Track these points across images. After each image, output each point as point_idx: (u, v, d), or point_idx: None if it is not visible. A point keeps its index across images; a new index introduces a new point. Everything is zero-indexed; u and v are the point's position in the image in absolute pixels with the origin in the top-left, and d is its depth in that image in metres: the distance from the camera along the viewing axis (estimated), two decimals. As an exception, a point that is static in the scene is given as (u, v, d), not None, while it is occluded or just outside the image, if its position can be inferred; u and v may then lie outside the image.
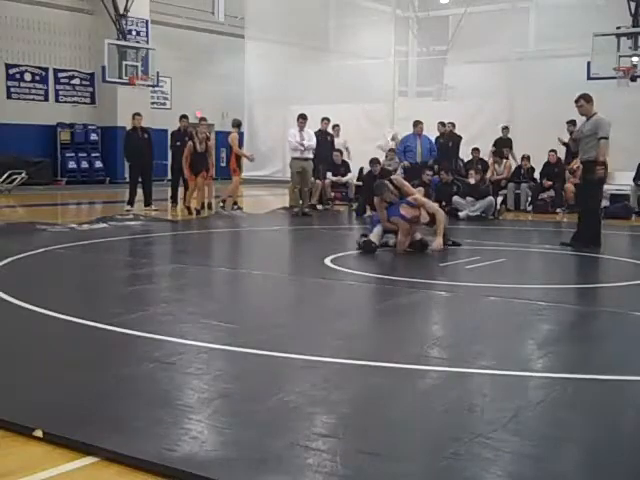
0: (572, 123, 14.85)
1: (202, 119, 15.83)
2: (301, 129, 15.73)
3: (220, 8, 27.99)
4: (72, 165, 24.21)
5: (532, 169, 16.75)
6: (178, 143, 15.94)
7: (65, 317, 5.72)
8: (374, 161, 14.78)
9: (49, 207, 16.94)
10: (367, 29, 25.78)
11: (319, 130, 17.02)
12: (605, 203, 15.75)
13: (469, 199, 14.58)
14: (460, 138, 17.37)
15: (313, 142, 15.87)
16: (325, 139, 17.02)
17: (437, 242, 9.60)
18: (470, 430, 3.56)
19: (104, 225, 12.41)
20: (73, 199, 19.71)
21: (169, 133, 17.95)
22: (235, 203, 15.76)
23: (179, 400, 3.95)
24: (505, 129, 17.95)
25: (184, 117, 15.91)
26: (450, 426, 3.65)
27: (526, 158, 16.86)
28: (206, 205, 15.57)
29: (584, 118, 10.47)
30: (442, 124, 17.26)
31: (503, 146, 17.40)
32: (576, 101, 10.44)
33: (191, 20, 27.14)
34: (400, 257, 9.60)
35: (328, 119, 17.49)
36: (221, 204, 15.73)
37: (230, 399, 4.02)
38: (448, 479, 3.11)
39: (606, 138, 10.09)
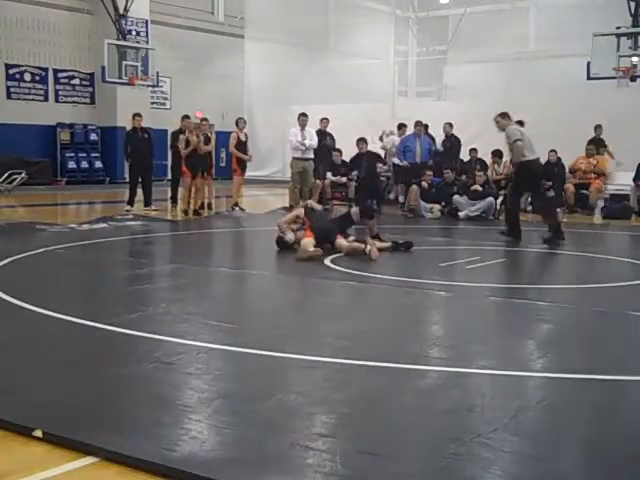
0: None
1: (203, 119, 15.86)
2: (302, 128, 15.74)
3: (220, 8, 27.97)
4: (72, 165, 24.19)
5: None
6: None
7: (65, 317, 5.72)
8: (361, 140, 14.90)
9: (49, 207, 16.93)
10: (367, 29, 25.79)
11: (319, 130, 17.02)
12: (604, 203, 15.80)
13: (469, 199, 14.56)
14: (459, 140, 17.32)
15: (315, 141, 15.88)
16: (325, 139, 17.02)
17: (373, 250, 9.14)
18: (470, 430, 3.56)
19: (104, 225, 12.41)
20: (73, 199, 19.70)
21: (169, 133, 17.92)
22: (236, 204, 15.74)
23: (179, 400, 3.95)
24: (598, 127, 17.51)
25: (186, 117, 15.93)
26: (450, 426, 3.65)
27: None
28: (206, 205, 15.55)
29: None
30: (449, 125, 17.21)
31: (598, 145, 17.06)
32: (494, 119, 11.09)
33: (191, 20, 27.12)
34: (399, 257, 9.59)
35: (327, 119, 17.49)
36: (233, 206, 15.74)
37: (230, 399, 4.03)
38: (448, 479, 3.11)
39: (518, 140, 10.63)
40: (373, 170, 15.85)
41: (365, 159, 15.62)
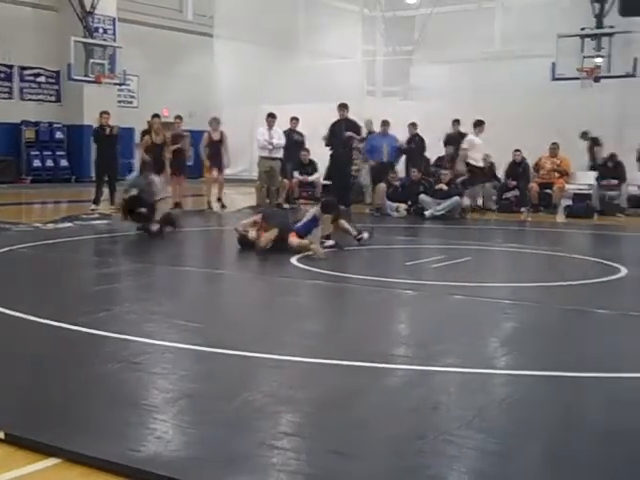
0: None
1: (177, 117, 15.73)
2: (270, 128, 15.74)
3: (189, 6, 27.82)
4: (37, 164, 23.89)
5: (493, 167, 16.87)
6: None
7: (30, 317, 5.67)
8: (342, 106, 14.81)
9: (13, 206, 16.74)
10: (335, 29, 25.81)
11: (288, 129, 17.03)
12: (568, 202, 15.98)
13: (435, 198, 14.65)
14: (423, 140, 17.35)
15: (282, 141, 15.89)
16: (293, 138, 17.02)
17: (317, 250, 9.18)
18: (435, 428, 3.59)
19: (69, 224, 12.30)
20: (38, 198, 19.48)
21: (135, 132, 17.79)
22: (208, 202, 15.68)
23: (144, 400, 3.94)
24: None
25: (156, 116, 15.85)
26: (416, 424, 3.68)
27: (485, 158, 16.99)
28: (178, 204, 15.39)
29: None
30: (413, 125, 17.26)
31: (594, 144, 17.15)
32: None
33: (159, 18, 26.93)
34: (366, 257, 9.63)
35: (297, 118, 17.49)
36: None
37: (196, 399, 4.02)
38: (413, 477, 3.13)
39: None
40: (349, 142, 15.16)
41: (344, 127, 15.02)
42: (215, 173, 15.88)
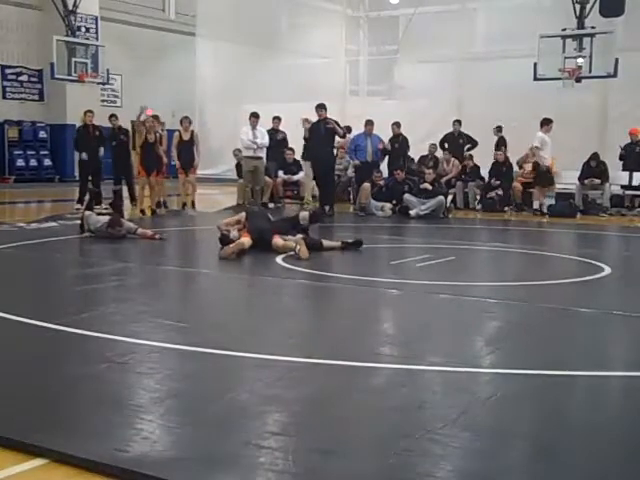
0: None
1: (154, 117, 15.57)
2: (253, 127, 15.73)
3: (171, 5, 27.82)
4: (20, 163, 23.79)
5: (477, 167, 16.95)
6: (114, 143, 15.68)
7: (14, 317, 5.65)
8: (320, 106, 14.79)
9: (-4, 206, 16.65)
10: (318, 28, 25.79)
11: (272, 129, 17.02)
12: (551, 201, 16.07)
13: (420, 198, 14.68)
14: (406, 139, 17.36)
15: (266, 140, 15.89)
16: (277, 137, 17.03)
17: (302, 250, 9.08)
18: (420, 426, 3.61)
19: (53, 224, 12.25)
20: (21, 197, 19.38)
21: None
22: (184, 204, 15.56)
23: (130, 400, 3.94)
24: (498, 129, 17.87)
25: (113, 116, 15.83)
26: (401, 423, 3.70)
27: (469, 157, 17.08)
28: (162, 203, 15.33)
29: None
30: (397, 124, 17.29)
31: (499, 145, 17.36)
32: None
33: (142, 17, 26.88)
34: (351, 256, 9.64)
35: (279, 118, 17.49)
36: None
37: (182, 398, 4.02)
38: (399, 475, 3.15)
39: None
40: (331, 140, 15.09)
41: (323, 127, 14.85)
42: (183, 175, 15.45)
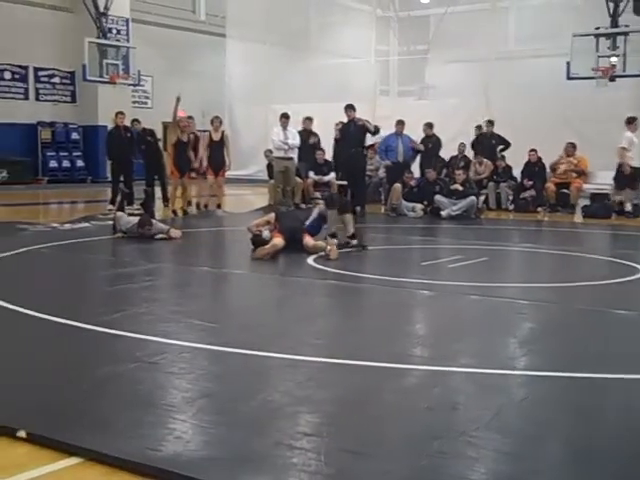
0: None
1: (189, 117, 15.50)
2: (284, 128, 15.73)
3: (201, 7, 27.95)
4: (53, 164, 24.02)
5: (509, 168, 16.81)
6: (143, 146, 15.69)
7: (47, 317, 5.70)
8: (349, 107, 14.75)
9: (30, 206, 16.83)
10: (348, 28, 25.81)
11: (303, 129, 17.04)
12: (585, 202, 15.90)
13: (451, 198, 14.61)
14: (439, 140, 17.30)
15: (297, 141, 15.89)
16: (308, 138, 17.03)
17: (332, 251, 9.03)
18: (453, 428, 3.59)
19: (86, 224, 12.36)
20: (54, 198, 19.59)
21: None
22: (205, 205, 15.43)
23: (162, 400, 3.95)
24: (489, 123, 17.83)
25: (135, 120, 15.94)
26: (433, 424, 3.68)
27: (501, 157, 16.95)
28: (194, 204, 15.36)
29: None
30: (428, 125, 17.21)
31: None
32: None
33: (172, 19, 27.04)
34: (382, 257, 9.62)
35: (311, 118, 17.49)
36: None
37: (214, 398, 4.03)
38: (431, 477, 3.13)
39: None
40: (362, 140, 15.01)
41: (354, 126, 14.83)
42: (212, 176, 15.15)
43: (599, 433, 3.66)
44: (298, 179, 16.36)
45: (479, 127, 17.96)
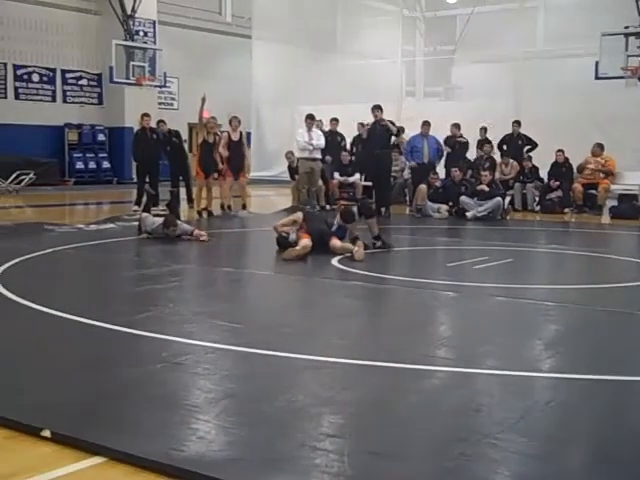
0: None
1: (212, 118, 15.44)
2: (309, 129, 15.73)
3: (227, 8, 28.03)
4: (80, 165, 24.25)
5: (536, 168, 16.68)
6: (168, 148, 15.73)
7: (72, 317, 5.73)
8: (376, 107, 14.72)
9: (57, 207, 16.97)
10: (374, 29, 25.73)
11: (329, 130, 17.03)
12: (613, 203, 15.74)
13: (476, 199, 14.52)
14: (467, 141, 17.24)
15: (322, 142, 15.87)
16: (334, 139, 17.04)
17: (359, 252, 9.05)
18: (477, 430, 3.56)
19: (112, 225, 12.44)
20: (81, 199, 19.74)
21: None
22: (224, 206, 15.39)
23: (186, 400, 3.95)
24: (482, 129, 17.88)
25: (161, 121, 15.99)
26: (457, 427, 3.65)
27: (528, 158, 16.83)
28: (219, 206, 15.36)
29: None
30: (455, 126, 17.13)
31: (484, 144, 17.36)
32: None
33: (198, 21, 27.17)
34: (407, 258, 9.58)
35: (337, 119, 17.48)
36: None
37: (237, 399, 4.03)
38: (456, 479, 3.10)
39: None
40: (387, 141, 14.97)
41: (379, 127, 14.76)
42: (230, 177, 15.00)
43: (625, 436, 3.61)
44: (321, 182, 16.29)
45: (484, 129, 17.89)
